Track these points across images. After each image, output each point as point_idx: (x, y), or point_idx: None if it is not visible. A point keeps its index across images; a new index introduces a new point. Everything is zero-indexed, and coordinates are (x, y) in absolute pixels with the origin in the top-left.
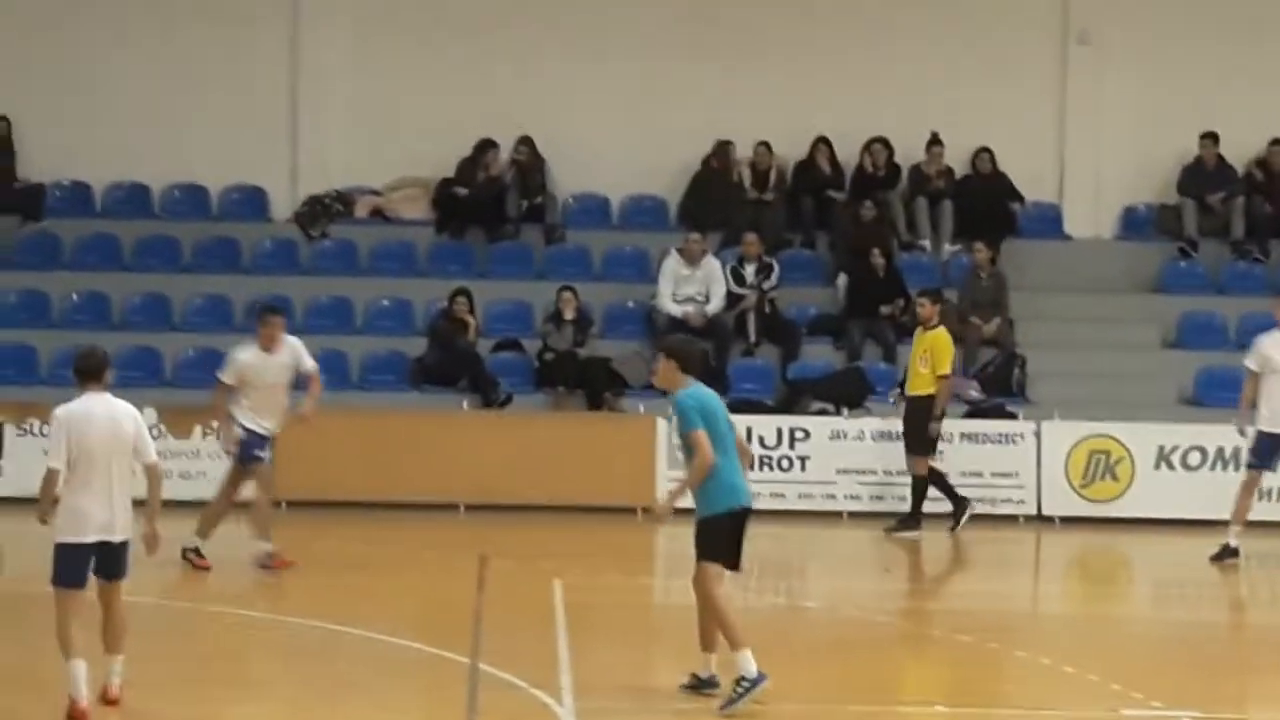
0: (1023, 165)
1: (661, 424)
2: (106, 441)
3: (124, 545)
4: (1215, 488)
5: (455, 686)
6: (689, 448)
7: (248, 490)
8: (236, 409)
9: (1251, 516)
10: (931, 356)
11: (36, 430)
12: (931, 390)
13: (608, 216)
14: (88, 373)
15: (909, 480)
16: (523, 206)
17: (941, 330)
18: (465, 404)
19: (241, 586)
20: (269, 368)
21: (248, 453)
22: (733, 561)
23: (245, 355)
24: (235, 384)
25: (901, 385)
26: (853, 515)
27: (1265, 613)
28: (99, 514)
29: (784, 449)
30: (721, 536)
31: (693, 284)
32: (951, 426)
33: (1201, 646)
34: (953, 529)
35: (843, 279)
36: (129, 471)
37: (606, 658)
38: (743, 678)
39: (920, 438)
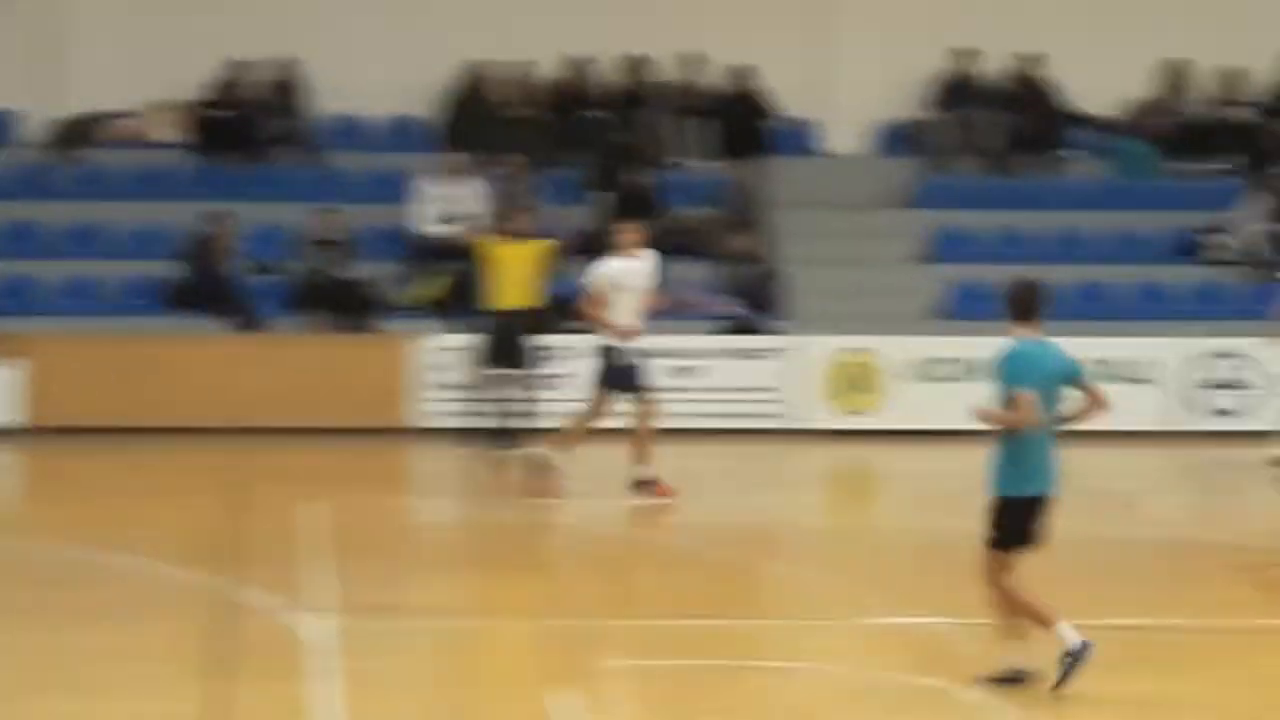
0: (779, 82)
1: (416, 346)
2: None
3: None
4: (969, 399)
5: (214, 610)
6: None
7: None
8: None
9: None
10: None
11: None
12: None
13: (365, 137)
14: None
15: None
16: (278, 128)
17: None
18: (218, 327)
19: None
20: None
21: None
22: (1024, 547)
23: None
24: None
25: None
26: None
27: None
28: None
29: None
30: (1019, 522)
31: (452, 204)
32: (709, 343)
33: (952, 554)
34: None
35: (603, 197)
36: None
37: (367, 577)
38: (1068, 652)
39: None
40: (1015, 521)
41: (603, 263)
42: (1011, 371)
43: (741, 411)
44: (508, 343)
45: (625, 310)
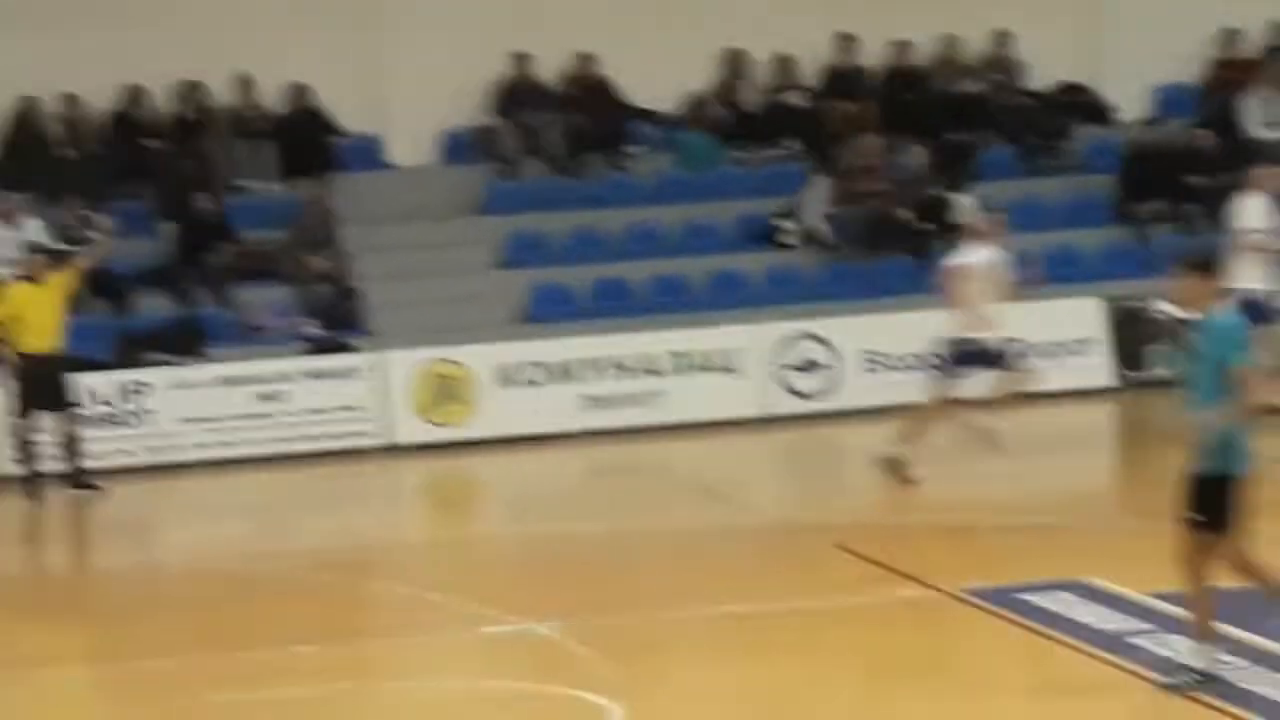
0: (339, 98)
1: None
2: None
3: None
4: (555, 401)
5: None
6: (1226, 383)
7: None
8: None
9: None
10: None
11: None
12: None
13: None
14: None
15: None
16: None
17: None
18: None
19: None
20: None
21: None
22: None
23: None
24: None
25: None
26: (200, 464)
27: (618, 519)
28: None
29: (127, 404)
30: (1237, 501)
31: (11, 245)
32: (292, 365)
33: (553, 558)
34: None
35: (170, 227)
36: None
37: None
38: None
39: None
40: (1235, 501)
41: (968, 251)
42: (1239, 342)
43: (330, 433)
44: (40, 387)
45: (980, 297)
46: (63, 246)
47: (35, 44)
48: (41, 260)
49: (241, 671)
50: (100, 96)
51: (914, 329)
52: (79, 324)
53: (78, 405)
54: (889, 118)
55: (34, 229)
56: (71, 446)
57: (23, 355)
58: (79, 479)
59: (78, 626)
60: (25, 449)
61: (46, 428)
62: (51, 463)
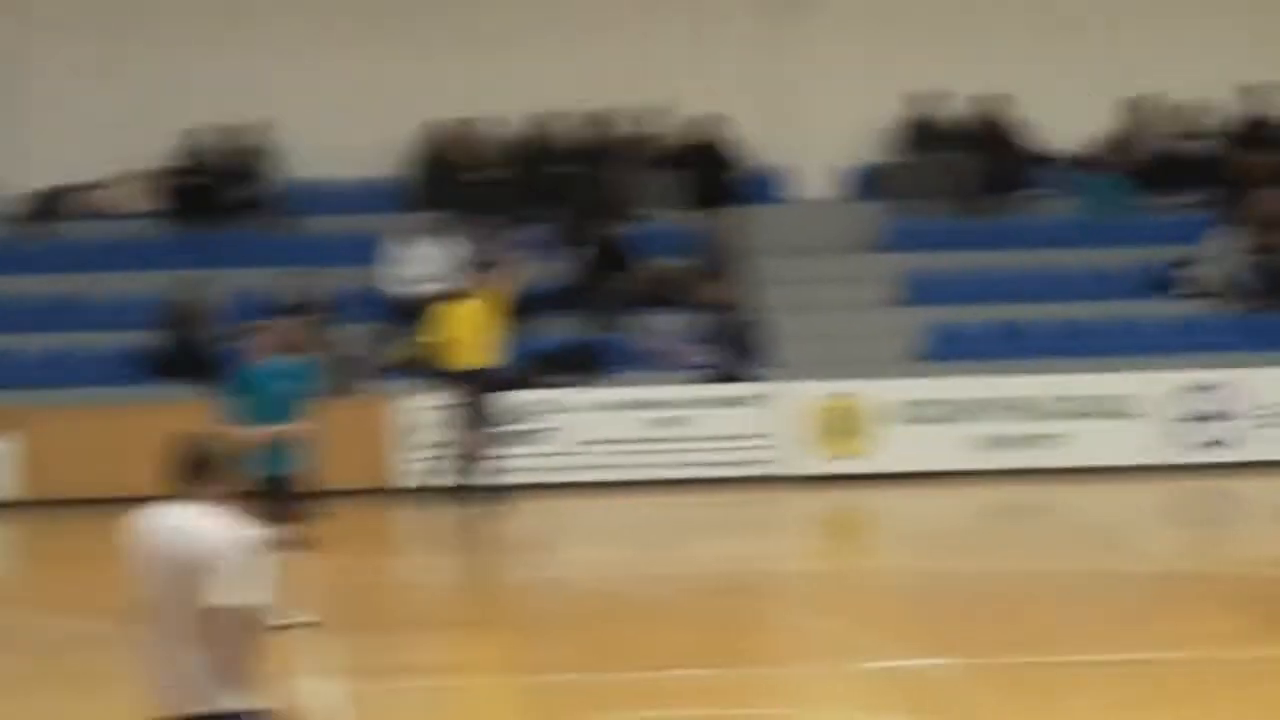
0: (746, 130)
1: (396, 406)
2: None
3: None
4: (952, 440)
5: None
6: None
7: None
8: None
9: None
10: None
11: None
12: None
13: (337, 200)
14: None
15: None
16: (249, 194)
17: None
18: (201, 394)
19: None
20: None
21: None
22: None
23: None
24: None
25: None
26: (597, 485)
27: (1011, 559)
28: None
29: (528, 423)
30: None
31: (422, 264)
32: (692, 392)
33: (945, 596)
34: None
35: (575, 252)
36: None
37: (366, 638)
38: None
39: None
40: None
41: None
42: None
43: (726, 460)
44: (473, 402)
45: None
46: (489, 263)
47: (450, 69)
48: (474, 277)
49: (633, 691)
50: (513, 121)
51: None
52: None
53: (503, 422)
54: None
55: (449, 249)
56: (491, 461)
57: (456, 372)
58: (495, 492)
59: (484, 638)
60: (456, 462)
61: (476, 442)
62: (472, 476)
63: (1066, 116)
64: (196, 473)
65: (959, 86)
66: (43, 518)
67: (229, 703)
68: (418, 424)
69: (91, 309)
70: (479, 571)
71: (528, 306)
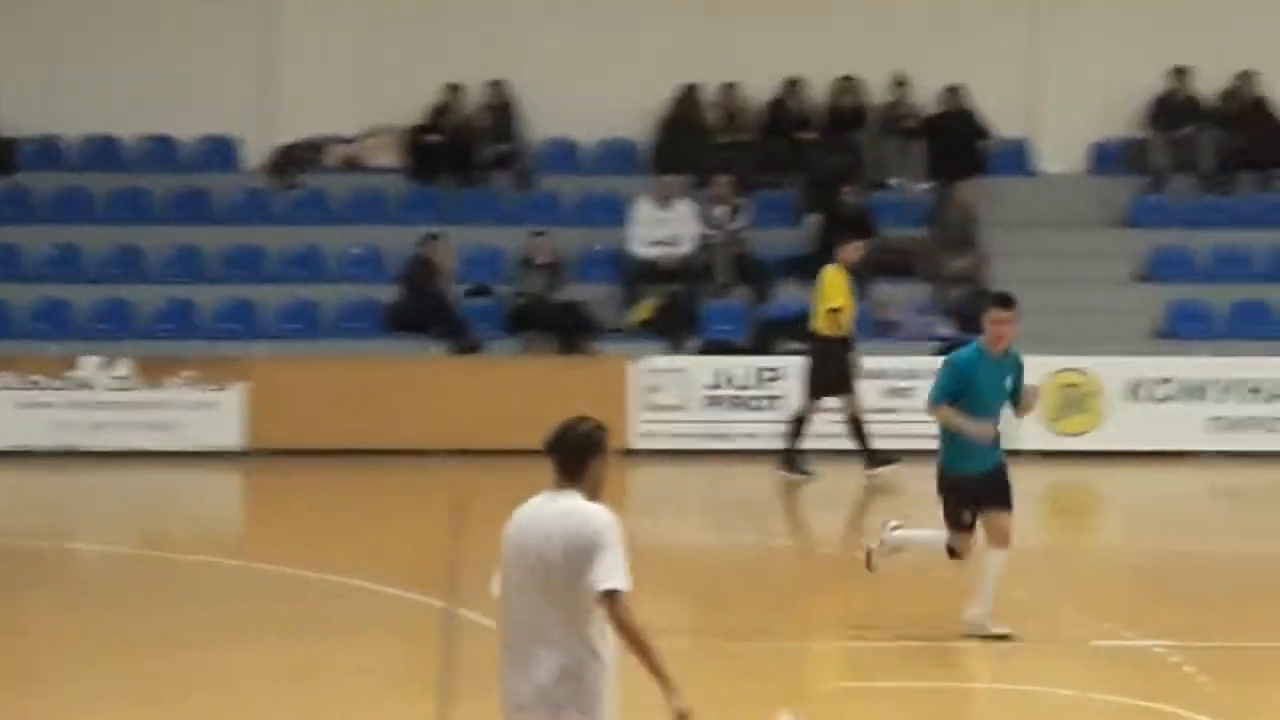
0: (992, 102)
1: (633, 367)
2: None
3: None
4: (1185, 419)
5: (431, 630)
6: None
7: None
8: None
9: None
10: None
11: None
12: (823, 329)
13: (579, 161)
14: None
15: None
16: (494, 152)
17: (827, 268)
18: (436, 350)
19: (223, 535)
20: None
21: None
22: None
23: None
24: None
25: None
26: (824, 453)
27: (1241, 542)
28: None
29: (757, 389)
30: None
31: (665, 227)
32: (927, 363)
33: (1176, 577)
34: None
35: (813, 219)
36: None
37: None
38: None
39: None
40: None
41: None
42: None
43: None
44: (831, 371)
45: None
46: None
47: (699, 33)
48: (846, 244)
49: (863, 660)
50: (759, 87)
51: None
52: (721, 307)
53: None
54: None
55: (688, 212)
56: (856, 426)
57: (822, 338)
58: (881, 457)
59: (723, 601)
60: (806, 427)
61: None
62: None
63: None
64: (580, 458)
65: (1213, 62)
66: (267, 468)
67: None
68: (653, 385)
69: (333, 261)
70: (717, 533)
71: (761, 272)
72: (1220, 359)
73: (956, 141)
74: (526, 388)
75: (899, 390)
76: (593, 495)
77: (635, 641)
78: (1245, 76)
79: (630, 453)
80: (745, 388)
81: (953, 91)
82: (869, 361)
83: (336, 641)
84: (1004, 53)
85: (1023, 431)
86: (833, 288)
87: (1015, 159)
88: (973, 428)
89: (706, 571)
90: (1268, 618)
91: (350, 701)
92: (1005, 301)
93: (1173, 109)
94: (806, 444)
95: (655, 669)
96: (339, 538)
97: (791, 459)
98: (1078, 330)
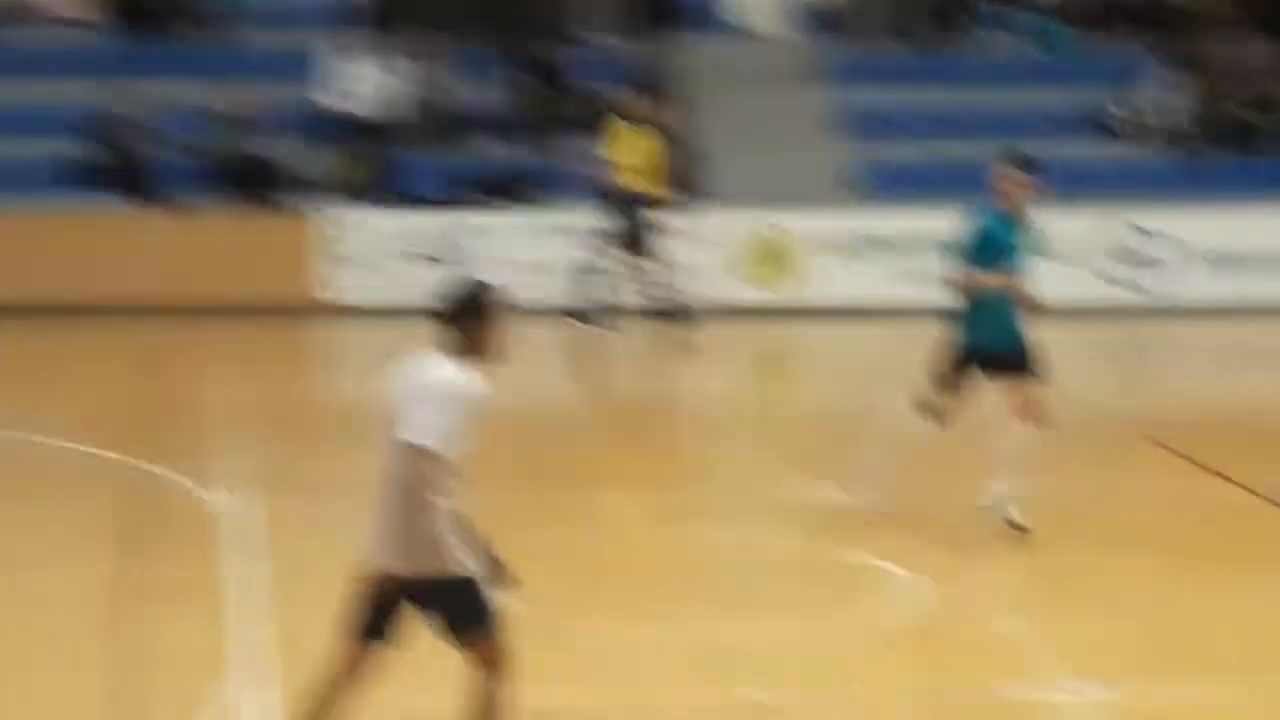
0: None
1: (328, 223)
2: None
3: None
4: (881, 273)
5: (128, 486)
6: None
7: None
8: None
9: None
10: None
11: None
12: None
13: (273, 15)
14: None
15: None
16: (192, 5)
17: (617, 124)
18: (125, 205)
19: None
20: None
21: None
22: None
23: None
24: None
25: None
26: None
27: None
28: None
29: (451, 245)
30: None
31: (354, 81)
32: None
33: (865, 428)
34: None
35: (509, 74)
36: None
37: (281, 452)
38: None
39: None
40: None
41: None
42: None
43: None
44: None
45: None
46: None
47: None
48: (634, 102)
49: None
50: None
51: (1245, 227)
52: (414, 163)
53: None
54: (1238, 14)
55: (385, 68)
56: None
57: (617, 192)
58: (676, 316)
59: None
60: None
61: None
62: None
63: None
64: (457, 315)
65: None
66: None
67: (421, 564)
68: (349, 241)
69: (24, 116)
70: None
71: (462, 128)
72: (912, 213)
73: (659, 3)
74: (219, 242)
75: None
76: (466, 357)
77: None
78: None
79: (317, 307)
80: (438, 243)
81: None
82: (572, 217)
83: (13, 499)
84: None
85: (718, 286)
86: (635, 146)
87: (713, 15)
88: (1001, 281)
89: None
90: (959, 471)
91: (23, 557)
92: (1028, 164)
93: None
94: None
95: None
96: (26, 395)
97: (583, 313)
98: (776, 186)
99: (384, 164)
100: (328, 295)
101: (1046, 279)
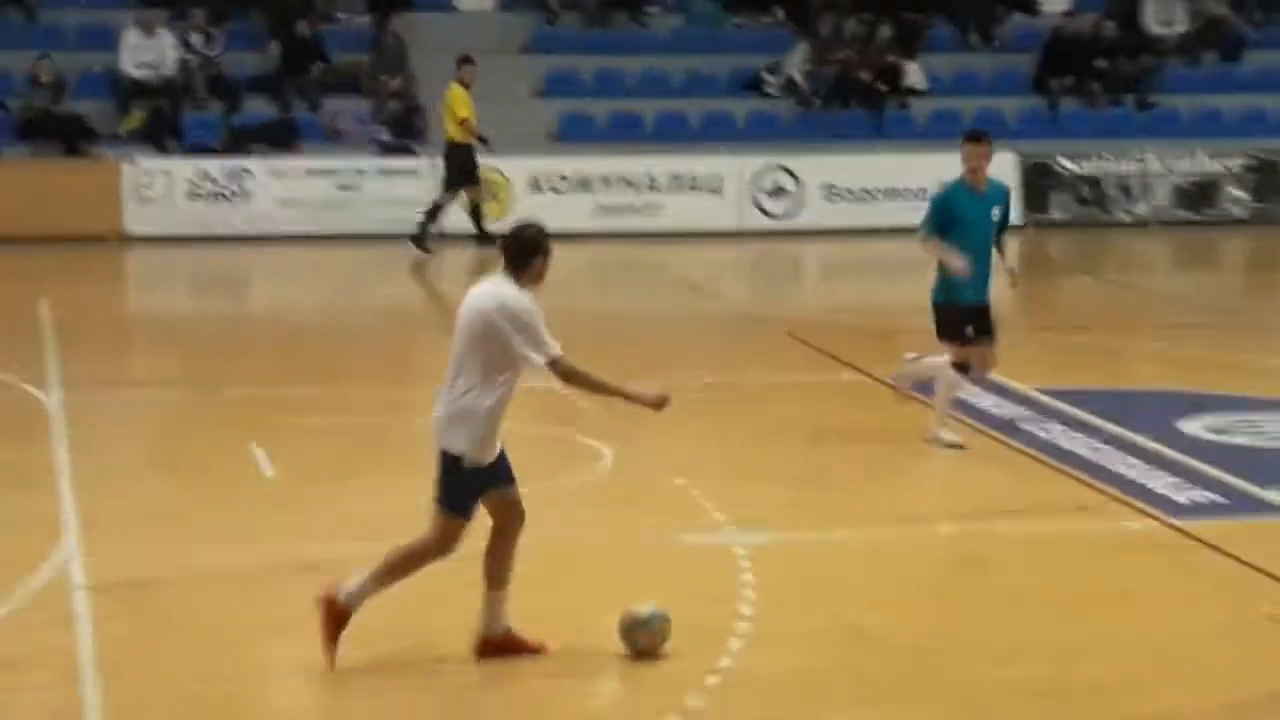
0: None
1: (126, 168)
2: None
3: None
4: (574, 207)
5: None
6: None
7: None
8: None
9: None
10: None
11: None
12: (455, 137)
13: None
14: None
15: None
16: None
17: (452, 85)
18: None
19: None
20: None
21: None
22: None
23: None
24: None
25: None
26: (289, 238)
27: (622, 303)
28: None
29: (230, 185)
30: None
31: (149, 51)
32: (367, 164)
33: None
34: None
35: (273, 45)
36: None
37: (97, 356)
38: None
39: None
40: None
41: None
42: None
43: (394, 218)
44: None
45: None
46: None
47: None
48: (463, 67)
49: (307, 403)
50: None
51: (867, 168)
52: (199, 118)
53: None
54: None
55: (169, 39)
56: (475, 213)
57: (454, 143)
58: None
59: (202, 358)
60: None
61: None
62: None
63: None
64: (513, 256)
65: None
66: None
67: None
68: (144, 183)
69: None
70: (204, 306)
71: (232, 88)
72: (602, 159)
73: None
74: (34, 186)
75: (346, 185)
76: (525, 284)
77: (582, 382)
78: None
79: (126, 238)
80: (220, 184)
81: None
82: (323, 162)
83: None
84: None
85: (454, 220)
86: (459, 102)
87: None
88: (955, 262)
89: (197, 332)
90: (642, 361)
91: None
92: (977, 136)
93: None
94: (435, 229)
95: (610, 392)
96: None
97: (422, 239)
98: (492, 138)
99: (176, 119)
100: (135, 229)
101: (708, 212)
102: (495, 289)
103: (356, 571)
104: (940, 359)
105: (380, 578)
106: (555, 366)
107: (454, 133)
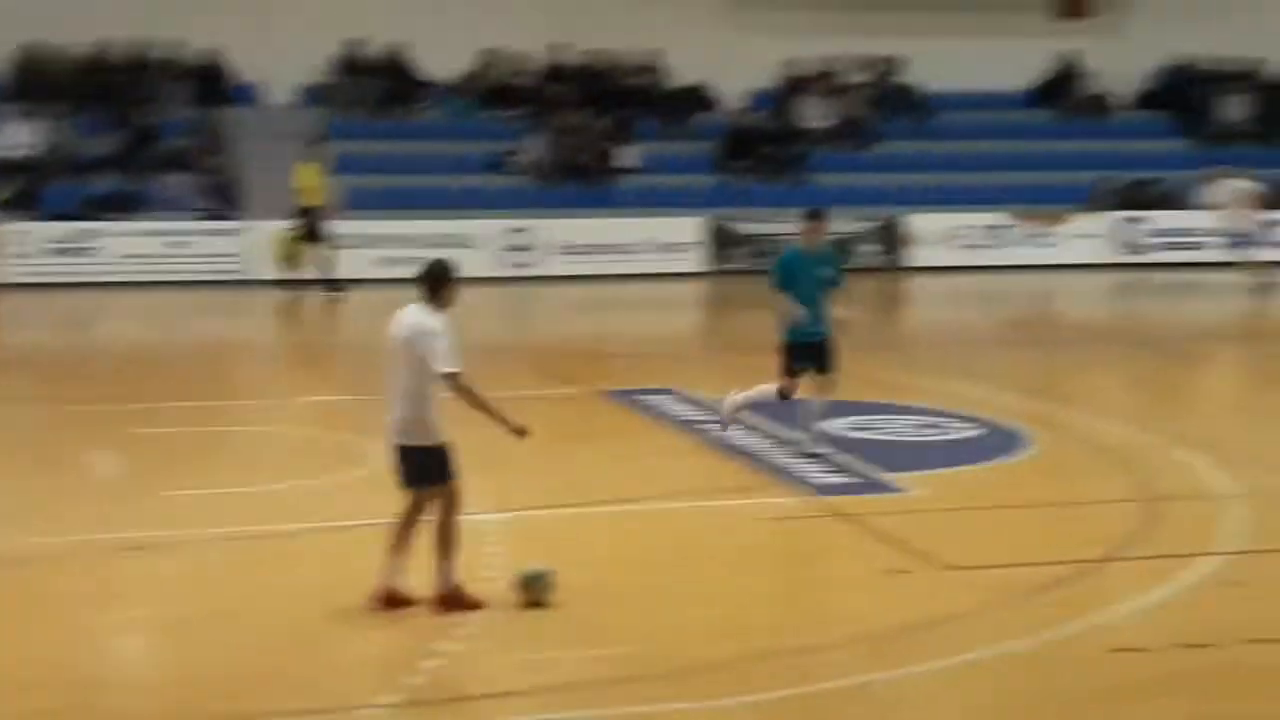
0: (238, 57)
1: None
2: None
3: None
4: (363, 259)
5: None
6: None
7: None
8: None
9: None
10: None
11: None
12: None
13: None
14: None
15: None
16: None
17: (300, 166)
18: None
19: None
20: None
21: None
22: None
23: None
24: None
25: None
26: (132, 284)
27: None
28: None
29: (82, 243)
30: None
31: (14, 136)
32: (195, 226)
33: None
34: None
35: (119, 132)
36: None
37: None
38: None
39: None
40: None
41: None
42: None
43: (217, 269)
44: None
45: None
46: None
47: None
48: (311, 151)
49: (139, 415)
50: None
51: (591, 230)
52: (58, 189)
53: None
54: (584, 98)
55: (28, 128)
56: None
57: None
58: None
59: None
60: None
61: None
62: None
63: (445, 57)
64: (430, 286)
65: (376, 33)
66: None
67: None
68: (13, 242)
69: None
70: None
71: (87, 166)
72: (383, 221)
73: (211, 84)
74: None
75: (176, 243)
76: (441, 308)
77: (468, 398)
78: (395, 46)
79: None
80: (74, 243)
81: (208, 52)
82: (159, 225)
83: None
84: (236, 17)
85: (258, 268)
86: (307, 176)
87: (251, 93)
88: (793, 312)
89: (64, 359)
90: None
91: None
92: (814, 214)
93: (352, 65)
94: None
95: (488, 413)
96: None
97: (334, 285)
98: (289, 203)
99: (36, 190)
100: (5, 278)
101: (467, 262)
102: (416, 314)
103: (400, 567)
104: (765, 388)
105: (443, 554)
106: (450, 379)
107: (308, 199)
